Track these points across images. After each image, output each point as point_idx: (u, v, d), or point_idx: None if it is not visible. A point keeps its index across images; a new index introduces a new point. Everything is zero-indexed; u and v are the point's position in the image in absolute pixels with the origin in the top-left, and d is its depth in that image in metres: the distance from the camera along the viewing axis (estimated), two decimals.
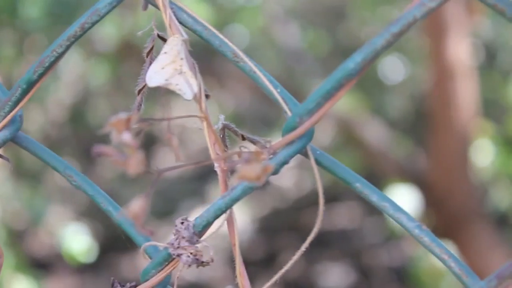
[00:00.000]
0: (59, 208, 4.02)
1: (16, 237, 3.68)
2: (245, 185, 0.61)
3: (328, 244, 3.99)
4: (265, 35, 4.06)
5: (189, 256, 0.62)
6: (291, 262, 0.65)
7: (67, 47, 0.65)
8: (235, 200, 0.62)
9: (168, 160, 4.67)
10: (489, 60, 4.01)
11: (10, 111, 0.67)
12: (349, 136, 3.41)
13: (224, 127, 0.67)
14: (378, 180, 3.64)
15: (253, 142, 0.68)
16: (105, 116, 4.43)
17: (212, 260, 0.63)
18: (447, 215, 3.12)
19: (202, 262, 0.63)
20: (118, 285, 0.66)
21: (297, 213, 4.34)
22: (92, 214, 4.14)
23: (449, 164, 3.10)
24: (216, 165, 0.64)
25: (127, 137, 0.54)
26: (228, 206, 0.63)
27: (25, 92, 0.67)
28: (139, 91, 0.68)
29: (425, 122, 3.70)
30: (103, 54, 3.73)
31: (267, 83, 0.63)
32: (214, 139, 0.64)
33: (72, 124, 4.16)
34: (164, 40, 0.69)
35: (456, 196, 3.10)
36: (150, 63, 0.68)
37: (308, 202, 4.39)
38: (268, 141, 0.61)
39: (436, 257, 0.61)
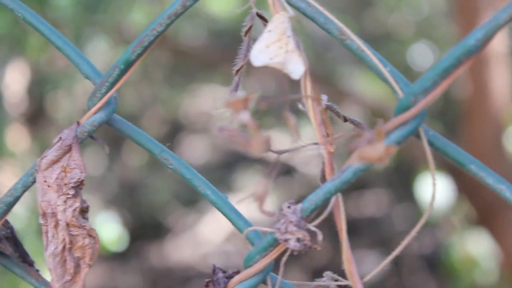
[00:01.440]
0: (87, 196, 4.01)
1: None
2: (356, 167, 0.59)
3: (357, 232, 3.97)
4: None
5: (297, 241, 0.60)
6: (400, 247, 0.63)
7: (167, 26, 0.63)
8: (345, 183, 0.60)
9: (193, 148, 4.66)
10: None
11: (107, 92, 0.65)
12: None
13: (327, 108, 0.65)
14: (410, 167, 3.62)
15: (355, 124, 0.66)
16: (131, 104, 4.41)
17: (320, 245, 0.60)
18: (480, 202, 3.08)
19: (310, 247, 0.61)
20: (220, 272, 0.64)
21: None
22: (120, 203, 4.14)
23: (483, 151, 3.07)
24: (322, 147, 0.62)
25: (245, 116, 0.52)
26: (338, 189, 0.60)
27: (122, 73, 0.65)
28: (237, 71, 0.66)
29: (453, 109, 3.66)
30: (130, 42, 3.71)
31: (376, 61, 0.61)
32: (320, 120, 0.62)
33: None
34: (262, 18, 0.67)
35: None
36: (248, 43, 0.66)
37: None
38: (380, 122, 0.59)
39: None
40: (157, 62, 4.15)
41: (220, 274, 0.64)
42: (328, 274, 0.68)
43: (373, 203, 4.25)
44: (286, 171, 4.45)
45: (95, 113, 0.66)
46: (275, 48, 0.61)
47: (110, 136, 4.30)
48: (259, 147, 0.51)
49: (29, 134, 3.86)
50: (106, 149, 0.66)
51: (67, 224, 0.66)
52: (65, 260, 0.66)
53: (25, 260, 0.72)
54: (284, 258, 0.62)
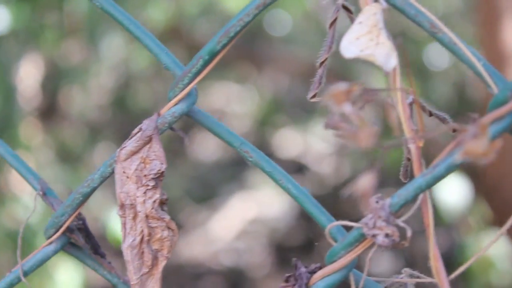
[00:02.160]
0: (100, 191, 4.01)
1: None
2: (450, 162, 0.58)
3: None
4: (309, 20, 4.02)
5: (385, 237, 0.59)
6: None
7: (254, 16, 0.61)
8: (438, 178, 0.59)
9: (206, 145, 4.65)
10: None
11: (189, 83, 0.64)
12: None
13: (413, 103, 0.64)
14: (425, 165, 3.60)
15: (440, 119, 0.65)
16: (144, 100, 4.40)
17: (409, 242, 0.59)
18: (498, 203, 3.07)
19: (398, 243, 0.60)
20: (302, 266, 0.63)
21: (335, 199, 4.30)
22: None
23: (501, 152, 3.05)
24: (410, 141, 0.61)
25: (348, 108, 0.51)
26: (429, 185, 0.59)
27: (206, 63, 0.64)
28: (321, 63, 0.65)
29: (469, 109, 3.65)
30: None
31: (469, 55, 0.60)
32: (409, 114, 0.60)
33: (114, 108, 4.14)
34: (348, 10, 0.66)
35: (508, 184, 3.06)
36: (333, 35, 0.64)
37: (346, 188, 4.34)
38: (475, 117, 0.58)
39: None
40: None
41: (303, 269, 0.63)
42: (406, 270, 0.67)
43: None
44: (298, 169, 4.44)
45: (176, 104, 0.65)
46: (365, 40, 0.60)
47: (123, 132, 4.29)
48: (367, 139, 0.50)
49: (42, 128, 3.85)
50: (186, 141, 0.65)
51: (146, 216, 0.64)
52: (142, 252, 0.65)
53: (97, 252, 0.71)
54: (370, 254, 0.61)
